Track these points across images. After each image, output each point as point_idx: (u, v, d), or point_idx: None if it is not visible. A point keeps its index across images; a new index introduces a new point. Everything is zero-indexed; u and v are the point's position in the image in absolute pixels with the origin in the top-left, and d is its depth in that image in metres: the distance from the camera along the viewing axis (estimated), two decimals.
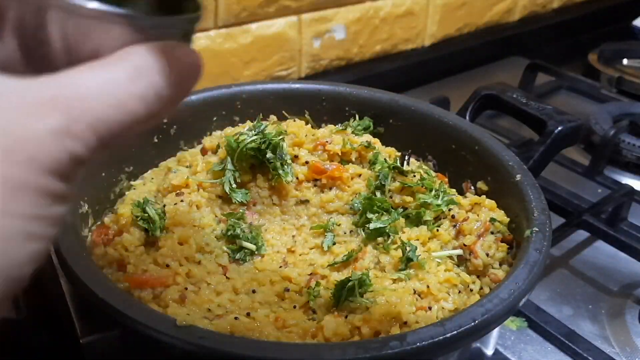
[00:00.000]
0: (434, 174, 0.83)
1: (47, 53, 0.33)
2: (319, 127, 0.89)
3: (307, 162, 0.79)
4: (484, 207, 0.74)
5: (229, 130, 0.85)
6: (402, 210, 0.77)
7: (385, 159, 0.81)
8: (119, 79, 0.31)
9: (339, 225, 0.77)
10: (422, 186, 0.77)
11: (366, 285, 0.64)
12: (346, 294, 0.63)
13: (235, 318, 0.60)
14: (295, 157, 0.79)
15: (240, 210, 0.77)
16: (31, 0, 0.33)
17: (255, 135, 0.77)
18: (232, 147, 0.76)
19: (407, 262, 0.68)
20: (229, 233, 0.73)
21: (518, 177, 0.73)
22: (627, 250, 0.96)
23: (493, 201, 0.75)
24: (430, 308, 0.63)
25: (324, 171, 0.78)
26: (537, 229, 0.65)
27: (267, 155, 0.76)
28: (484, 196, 0.76)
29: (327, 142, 0.80)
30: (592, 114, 1.35)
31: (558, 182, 1.13)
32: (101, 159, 0.35)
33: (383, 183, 0.77)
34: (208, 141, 0.84)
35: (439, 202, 0.75)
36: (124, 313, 0.52)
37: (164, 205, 0.73)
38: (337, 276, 0.68)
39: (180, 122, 0.85)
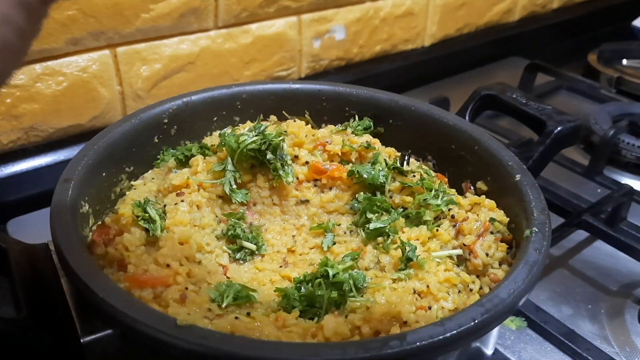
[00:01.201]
0: (434, 174, 0.83)
1: None
2: (319, 127, 0.89)
3: (307, 163, 0.79)
4: (484, 207, 0.74)
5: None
6: (402, 210, 0.77)
7: (385, 159, 0.81)
8: None
9: (339, 225, 0.77)
10: (422, 186, 0.77)
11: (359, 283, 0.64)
12: (345, 294, 0.63)
13: (236, 318, 0.60)
14: (295, 158, 0.79)
15: (241, 210, 0.77)
16: None
17: (256, 135, 0.77)
18: (232, 148, 0.76)
19: (407, 262, 0.68)
20: (230, 233, 0.73)
21: (518, 177, 0.74)
22: (627, 250, 0.96)
23: (493, 201, 0.75)
24: (430, 308, 0.63)
25: (324, 171, 0.78)
26: (536, 229, 0.65)
27: (268, 156, 0.76)
28: (483, 196, 0.76)
29: (327, 142, 0.81)
30: (591, 114, 1.35)
31: (558, 182, 1.13)
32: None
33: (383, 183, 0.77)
34: (208, 141, 0.84)
35: (439, 202, 0.75)
36: (124, 313, 0.52)
37: (165, 205, 0.73)
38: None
39: (181, 122, 0.85)
